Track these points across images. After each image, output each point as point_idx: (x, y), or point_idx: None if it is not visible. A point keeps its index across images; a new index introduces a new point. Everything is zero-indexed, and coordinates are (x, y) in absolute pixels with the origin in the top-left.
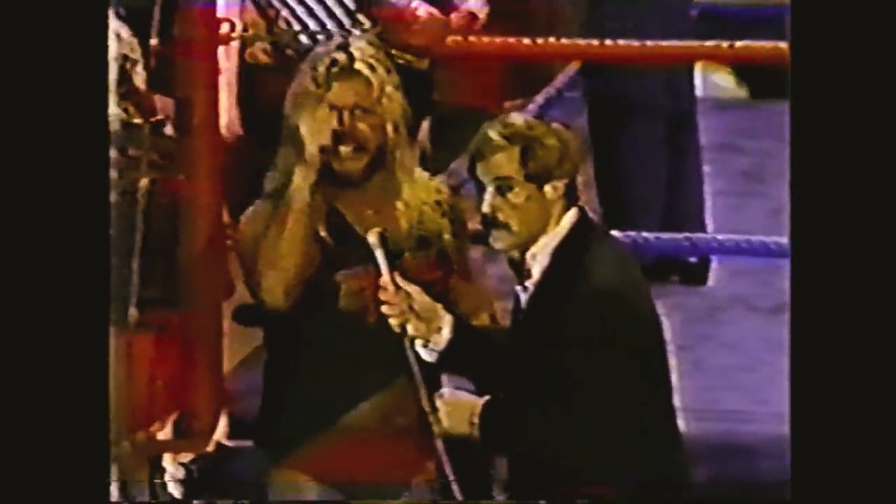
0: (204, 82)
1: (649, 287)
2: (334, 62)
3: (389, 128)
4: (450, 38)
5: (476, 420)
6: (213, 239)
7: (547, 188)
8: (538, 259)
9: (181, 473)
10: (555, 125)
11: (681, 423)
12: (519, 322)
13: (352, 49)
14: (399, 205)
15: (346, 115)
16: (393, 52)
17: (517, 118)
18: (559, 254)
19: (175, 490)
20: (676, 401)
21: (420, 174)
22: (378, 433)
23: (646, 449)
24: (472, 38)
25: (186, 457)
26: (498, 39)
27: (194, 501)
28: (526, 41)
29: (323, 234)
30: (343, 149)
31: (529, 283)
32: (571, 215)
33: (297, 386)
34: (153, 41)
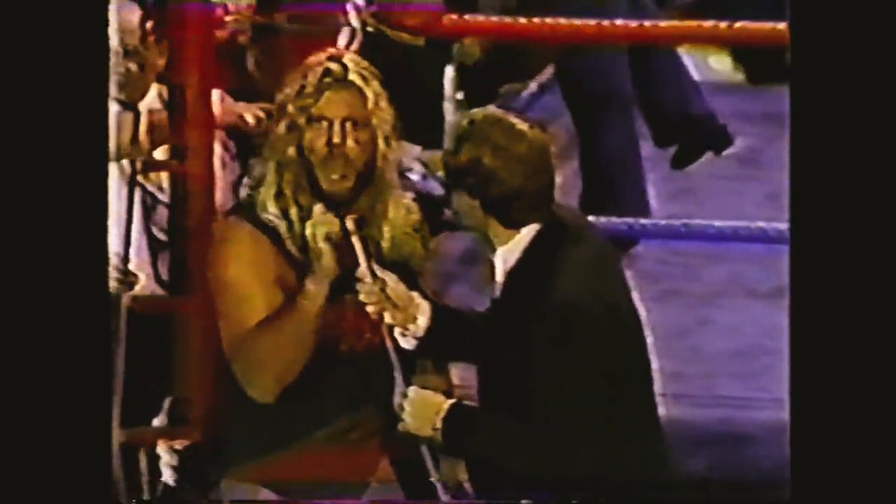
0: (198, 65)
1: (627, 289)
2: (327, 72)
3: (381, 143)
4: (445, 18)
5: (439, 424)
6: (206, 225)
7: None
8: (504, 260)
9: (175, 460)
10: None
11: (678, 410)
12: (487, 320)
13: (345, 60)
14: (385, 227)
15: (336, 126)
16: (388, 31)
17: (478, 113)
18: (526, 256)
19: (169, 477)
20: (675, 388)
21: (399, 193)
22: (332, 448)
23: (612, 456)
24: (467, 18)
25: (181, 444)
26: (494, 18)
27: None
28: (521, 20)
29: (294, 251)
30: (332, 163)
31: (495, 284)
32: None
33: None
34: (148, 24)
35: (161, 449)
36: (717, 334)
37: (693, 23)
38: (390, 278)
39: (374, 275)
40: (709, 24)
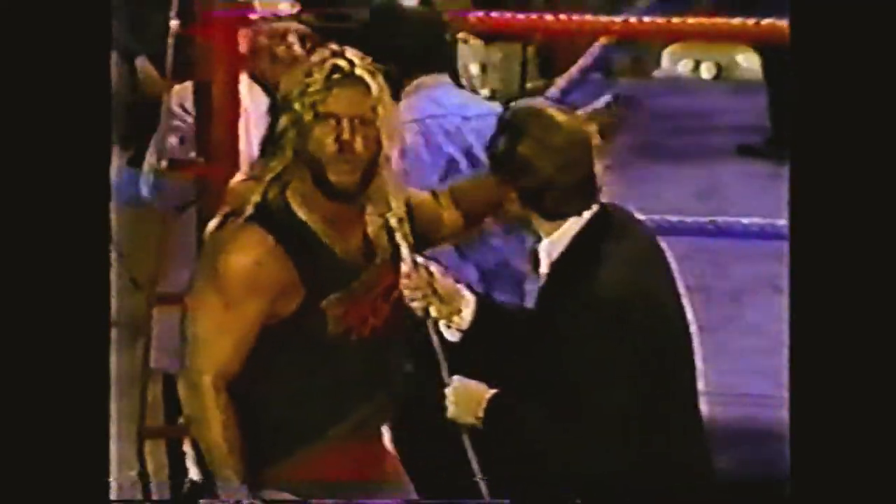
0: (224, 64)
1: (674, 285)
2: (336, 68)
3: (384, 139)
4: (472, 15)
5: (481, 413)
6: None
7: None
8: (549, 252)
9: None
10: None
11: (703, 408)
12: (531, 313)
13: (349, 56)
14: (392, 220)
15: (345, 123)
16: None
17: (521, 104)
18: (571, 248)
19: (193, 472)
20: (700, 385)
21: (401, 187)
22: (347, 443)
23: (653, 453)
24: (494, 15)
25: None
26: (521, 15)
27: (201, 501)
28: (549, 17)
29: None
30: (342, 159)
31: (540, 276)
32: (590, 210)
33: (275, 406)
34: (174, 23)
35: (186, 446)
36: (744, 331)
37: (723, 20)
38: (436, 271)
39: (418, 268)
40: (738, 21)
